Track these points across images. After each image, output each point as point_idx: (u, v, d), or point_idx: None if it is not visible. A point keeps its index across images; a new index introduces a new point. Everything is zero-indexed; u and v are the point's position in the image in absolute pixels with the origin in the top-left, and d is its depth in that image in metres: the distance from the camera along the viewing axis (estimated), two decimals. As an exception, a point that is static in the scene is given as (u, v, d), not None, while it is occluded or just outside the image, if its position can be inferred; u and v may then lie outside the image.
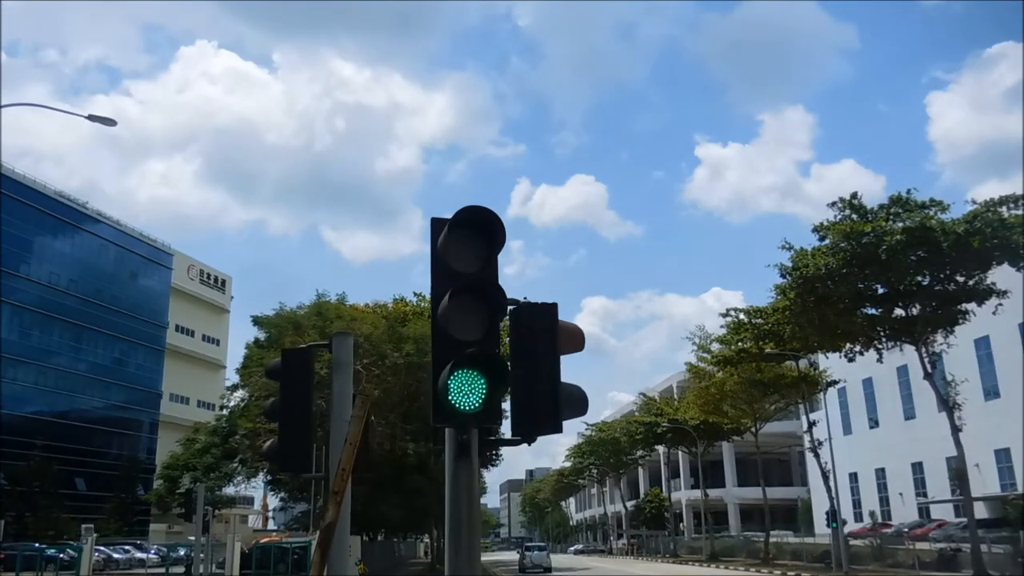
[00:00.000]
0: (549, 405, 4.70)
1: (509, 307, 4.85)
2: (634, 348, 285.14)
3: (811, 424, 40.26)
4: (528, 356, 4.77)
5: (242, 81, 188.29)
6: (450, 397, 4.44)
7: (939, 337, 31.41)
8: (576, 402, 4.98)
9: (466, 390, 4.48)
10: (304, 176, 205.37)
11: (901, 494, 53.69)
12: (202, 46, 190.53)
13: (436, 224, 4.74)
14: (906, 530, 42.49)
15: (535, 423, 4.72)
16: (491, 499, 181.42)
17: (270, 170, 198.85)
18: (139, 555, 49.91)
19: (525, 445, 5.10)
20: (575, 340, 5.11)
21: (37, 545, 39.15)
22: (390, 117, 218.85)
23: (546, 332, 4.80)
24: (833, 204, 30.74)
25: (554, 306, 4.87)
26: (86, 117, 19.59)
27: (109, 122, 19.89)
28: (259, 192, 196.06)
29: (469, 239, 4.68)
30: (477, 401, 4.49)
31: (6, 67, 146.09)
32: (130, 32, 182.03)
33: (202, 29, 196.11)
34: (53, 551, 35.65)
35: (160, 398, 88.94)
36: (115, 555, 49.20)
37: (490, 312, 4.62)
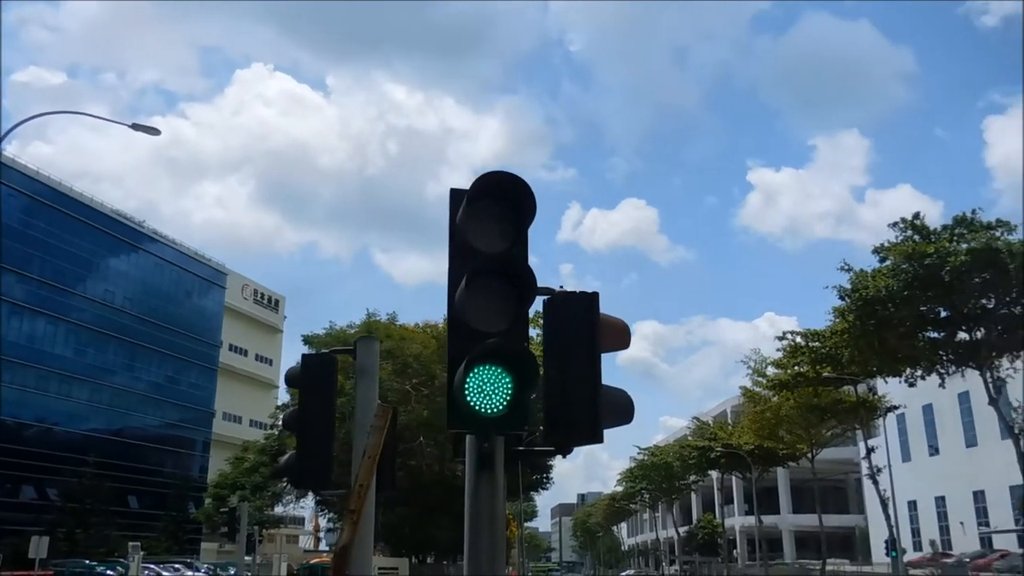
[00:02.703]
0: (588, 410, 3.99)
1: (542, 296, 4.17)
2: (686, 373, 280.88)
3: (869, 451, 38.82)
4: (564, 353, 4.07)
5: (297, 104, 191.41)
6: (468, 398, 3.76)
7: (1004, 362, 30.03)
8: (620, 408, 4.25)
9: (488, 390, 3.80)
10: (356, 199, 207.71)
11: (962, 523, 51.64)
12: (258, 69, 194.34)
13: (455, 196, 4.08)
14: (968, 560, 40.93)
15: (571, 431, 4.02)
16: (542, 523, 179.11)
17: (323, 193, 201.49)
18: (188, 573, 49.90)
19: (569, 462, 4.35)
20: (619, 336, 4.39)
21: (87, 562, 39.32)
22: (442, 141, 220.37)
23: (585, 325, 4.11)
24: (895, 225, 29.87)
25: (595, 296, 4.17)
26: (130, 126, 19.58)
27: (153, 131, 19.84)
28: (312, 214, 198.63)
29: (493, 212, 4.00)
30: (501, 403, 3.80)
31: (66, 88, 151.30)
32: (188, 56, 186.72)
33: (259, 52, 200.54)
34: (102, 568, 35.69)
35: (213, 417, 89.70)
36: (164, 573, 49.26)
37: (517, 299, 3.93)
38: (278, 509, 55.16)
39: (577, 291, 4.16)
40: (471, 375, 3.76)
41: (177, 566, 52.32)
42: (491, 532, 3.91)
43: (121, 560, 38.59)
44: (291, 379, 7.29)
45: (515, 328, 3.94)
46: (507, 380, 3.81)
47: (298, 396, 6.81)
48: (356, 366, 7.08)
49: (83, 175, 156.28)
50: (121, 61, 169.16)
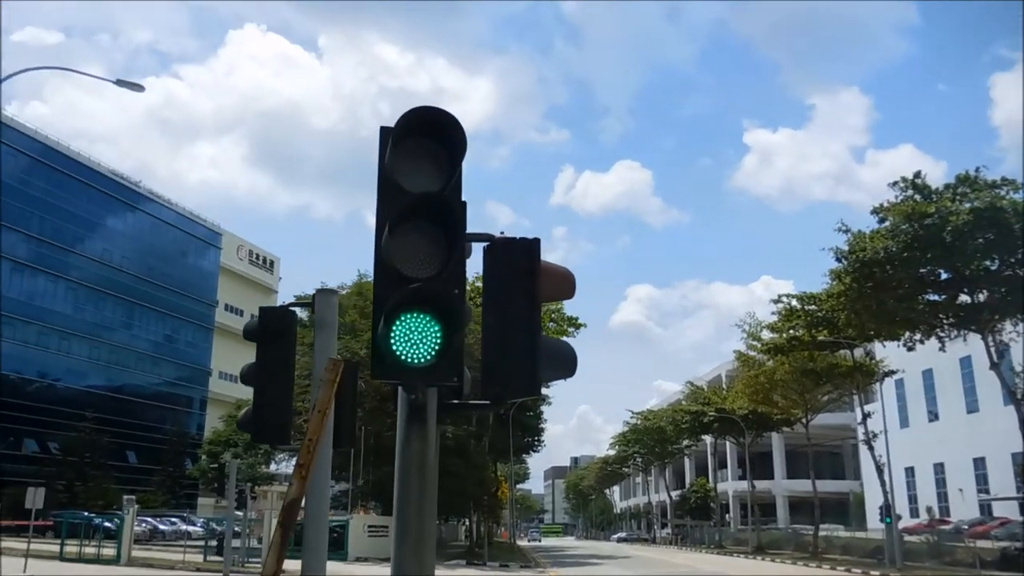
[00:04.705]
0: (525, 361, 3.78)
1: (483, 243, 3.96)
2: (680, 337, 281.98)
3: (865, 416, 38.66)
4: (502, 301, 3.86)
5: (289, 65, 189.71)
6: (393, 346, 3.55)
7: (1007, 325, 29.55)
8: (561, 360, 4.05)
9: (415, 338, 3.59)
10: (348, 160, 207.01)
11: (961, 490, 51.54)
12: (250, 29, 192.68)
13: (385, 134, 3.85)
14: (966, 527, 40.80)
15: (507, 383, 3.82)
16: (535, 485, 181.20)
17: (315, 154, 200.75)
18: (184, 527, 50.51)
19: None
20: (564, 285, 4.18)
21: (86, 513, 39.71)
22: (433, 102, 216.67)
23: (524, 273, 3.88)
24: (894, 184, 29.24)
25: (536, 242, 3.95)
26: (114, 82, 19.21)
27: (137, 87, 19.49)
28: (305, 176, 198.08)
29: (423, 151, 3.78)
30: (429, 352, 3.59)
31: (63, 48, 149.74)
32: (180, 17, 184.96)
33: (251, 12, 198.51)
34: (99, 520, 36.03)
35: (209, 375, 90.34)
36: (161, 526, 49.95)
37: (447, 242, 3.71)
38: (272, 467, 55.77)
39: (517, 237, 3.94)
40: (397, 323, 3.56)
41: (174, 520, 53.08)
42: (420, 487, 3.74)
43: (118, 513, 38.95)
44: (249, 332, 7.09)
45: (448, 274, 3.71)
46: (436, 328, 3.61)
47: (256, 350, 6.62)
48: (315, 319, 6.89)
49: (80, 135, 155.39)
50: (115, 22, 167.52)
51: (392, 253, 3.63)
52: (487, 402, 3.92)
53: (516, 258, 3.90)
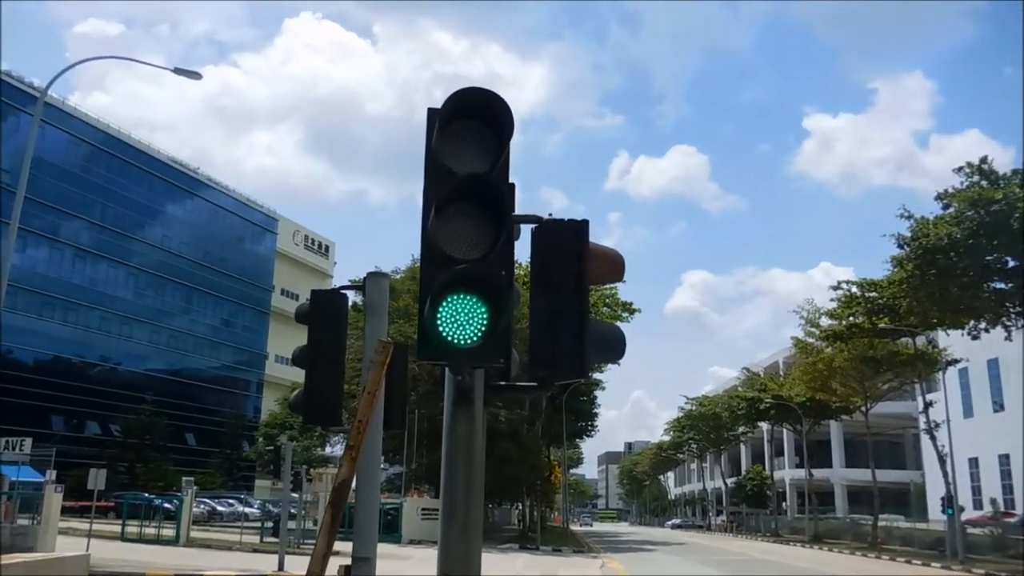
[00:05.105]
0: (573, 344, 3.72)
1: (531, 225, 3.90)
2: (736, 324, 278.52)
3: (927, 405, 37.68)
4: (549, 284, 3.80)
5: (344, 52, 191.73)
6: (440, 327, 3.53)
7: (1077, 316, 28.49)
8: (609, 344, 3.98)
9: (461, 319, 3.56)
10: (403, 146, 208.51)
11: (1028, 483, 50.00)
12: (306, 18, 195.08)
13: (432, 116, 3.80)
14: (1032, 520, 39.55)
15: (555, 366, 3.76)
16: (589, 470, 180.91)
17: (370, 140, 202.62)
18: (242, 509, 51.65)
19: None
20: (613, 267, 4.09)
21: (146, 495, 40.84)
22: (488, 88, 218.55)
23: (573, 255, 3.82)
24: (959, 169, 28.23)
25: (584, 223, 3.88)
26: (172, 70, 19.57)
27: (195, 75, 19.81)
28: (359, 162, 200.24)
29: (470, 132, 3.73)
30: (475, 333, 3.56)
31: (124, 39, 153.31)
32: (238, 6, 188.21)
33: (307, 1, 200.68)
34: (159, 501, 36.94)
35: (265, 359, 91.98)
36: (219, 508, 51.16)
37: (495, 224, 3.66)
38: (328, 449, 56.73)
39: (566, 219, 3.87)
40: (443, 304, 3.53)
41: (231, 501, 54.33)
42: (467, 470, 3.72)
43: (178, 494, 40.03)
44: (300, 315, 7.15)
45: (495, 256, 3.66)
46: (483, 310, 3.57)
47: (307, 332, 6.67)
48: (365, 302, 6.92)
49: (140, 124, 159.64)
50: (174, 13, 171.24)
51: (439, 235, 3.60)
52: (534, 384, 3.87)
53: (564, 240, 3.84)
